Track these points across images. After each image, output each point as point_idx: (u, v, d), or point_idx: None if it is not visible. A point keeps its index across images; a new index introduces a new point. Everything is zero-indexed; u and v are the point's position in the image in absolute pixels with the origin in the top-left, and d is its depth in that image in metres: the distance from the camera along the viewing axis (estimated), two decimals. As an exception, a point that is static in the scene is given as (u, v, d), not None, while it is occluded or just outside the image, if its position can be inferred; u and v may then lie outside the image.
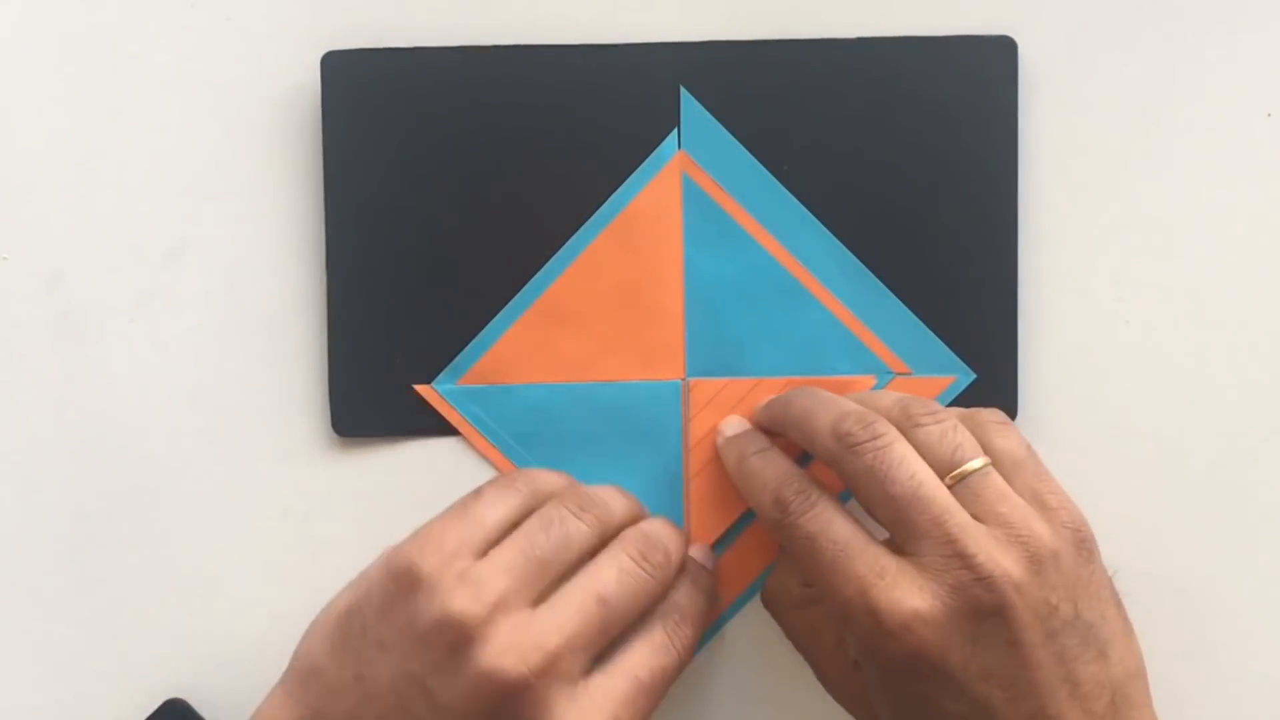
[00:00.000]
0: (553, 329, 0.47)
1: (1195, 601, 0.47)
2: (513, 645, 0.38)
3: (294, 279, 0.47)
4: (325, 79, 0.46)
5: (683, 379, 0.47)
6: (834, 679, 0.44)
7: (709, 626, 0.44)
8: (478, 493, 0.42)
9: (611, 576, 0.40)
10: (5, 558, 0.47)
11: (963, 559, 0.38)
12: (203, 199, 0.47)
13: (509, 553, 0.40)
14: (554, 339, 0.47)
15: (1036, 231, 0.47)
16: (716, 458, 0.46)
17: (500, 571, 0.39)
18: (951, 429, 0.41)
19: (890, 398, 0.42)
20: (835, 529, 0.40)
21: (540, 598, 0.40)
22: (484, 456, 0.47)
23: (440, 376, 0.47)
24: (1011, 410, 0.46)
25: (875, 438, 0.40)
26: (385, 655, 0.39)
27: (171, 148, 0.47)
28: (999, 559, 0.38)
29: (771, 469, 0.43)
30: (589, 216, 0.47)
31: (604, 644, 0.40)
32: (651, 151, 0.47)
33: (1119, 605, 0.41)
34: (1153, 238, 0.47)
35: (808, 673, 0.45)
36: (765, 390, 0.46)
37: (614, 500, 0.43)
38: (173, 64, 0.47)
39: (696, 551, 0.46)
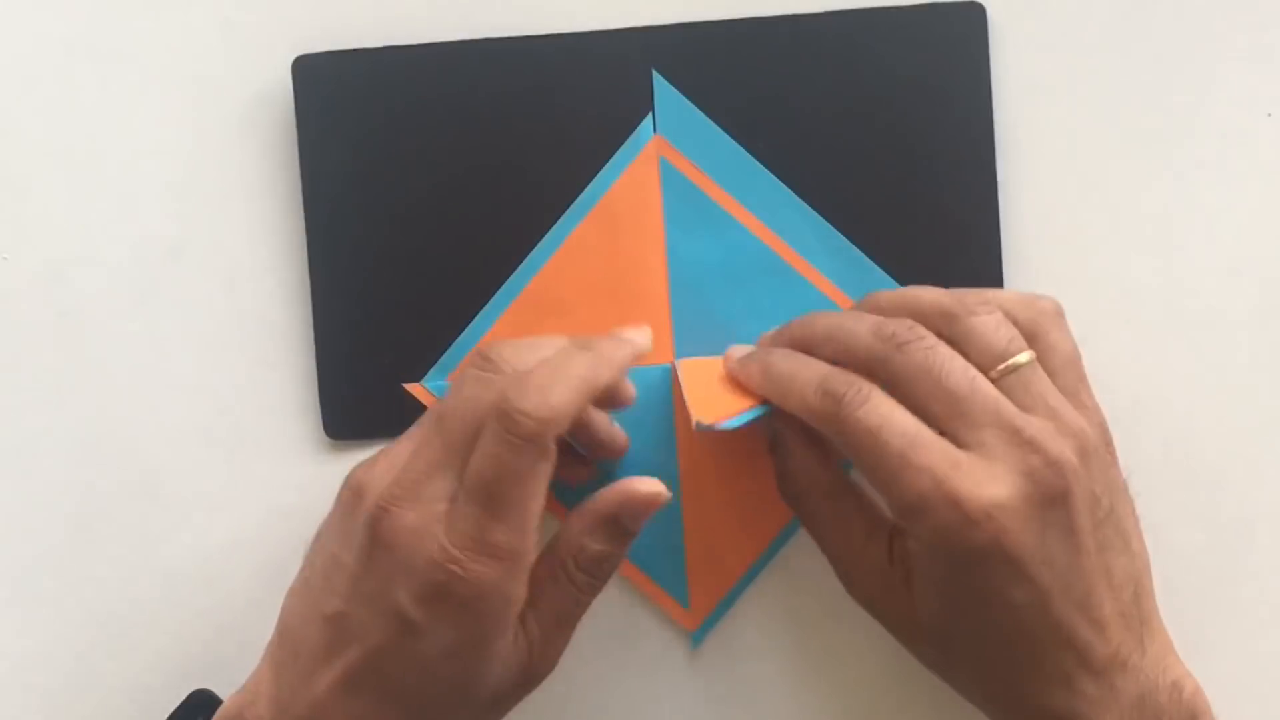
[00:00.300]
0: (539, 320, 0.47)
1: (1192, 599, 0.47)
2: (380, 488, 0.39)
3: (294, 279, 0.47)
4: (297, 83, 0.46)
5: (671, 362, 0.47)
6: (861, 576, 0.43)
7: (591, 386, 0.40)
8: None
9: (451, 393, 0.40)
10: (2, 555, 0.47)
11: (1031, 445, 0.39)
12: (203, 199, 0.47)
13: (414, 428, 0.41)
14: (540, 330, 0.46)
15: (1017, 196, 0.47)
16: (708, 439, 0.46)
17: (402, 444, 0.41)
18: (1004, 322, 0.41)
19: (940, 291, 0.42)
20: (899, 420, 0.39)
21: None
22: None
23: (429, 374, 0.47)
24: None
25: (922, 338, 0.40)
26: (321, 552, 0.41)
27: (172, 148, 0.47)
28: (1061, 445, 0.39)
29: (808, 367, 0.42)
30: (568, 206, 0.47)
31: (461, 457, 0.39)
32: (627, 137, 0.47)
33: (1133, 502, 0.42)
34: (1150, 236, 0.47)
35: (813, 658, 0.45)
36: (755, 368, 0.46)
37: (533, 345, 0.41)
38: (172, 64, 0.47)
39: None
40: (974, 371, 0.40)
